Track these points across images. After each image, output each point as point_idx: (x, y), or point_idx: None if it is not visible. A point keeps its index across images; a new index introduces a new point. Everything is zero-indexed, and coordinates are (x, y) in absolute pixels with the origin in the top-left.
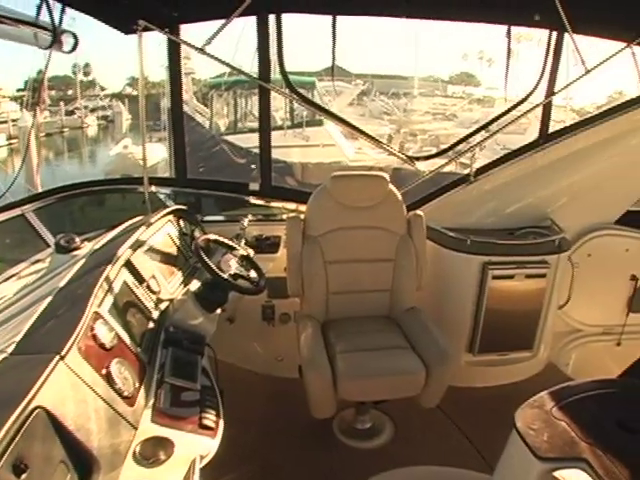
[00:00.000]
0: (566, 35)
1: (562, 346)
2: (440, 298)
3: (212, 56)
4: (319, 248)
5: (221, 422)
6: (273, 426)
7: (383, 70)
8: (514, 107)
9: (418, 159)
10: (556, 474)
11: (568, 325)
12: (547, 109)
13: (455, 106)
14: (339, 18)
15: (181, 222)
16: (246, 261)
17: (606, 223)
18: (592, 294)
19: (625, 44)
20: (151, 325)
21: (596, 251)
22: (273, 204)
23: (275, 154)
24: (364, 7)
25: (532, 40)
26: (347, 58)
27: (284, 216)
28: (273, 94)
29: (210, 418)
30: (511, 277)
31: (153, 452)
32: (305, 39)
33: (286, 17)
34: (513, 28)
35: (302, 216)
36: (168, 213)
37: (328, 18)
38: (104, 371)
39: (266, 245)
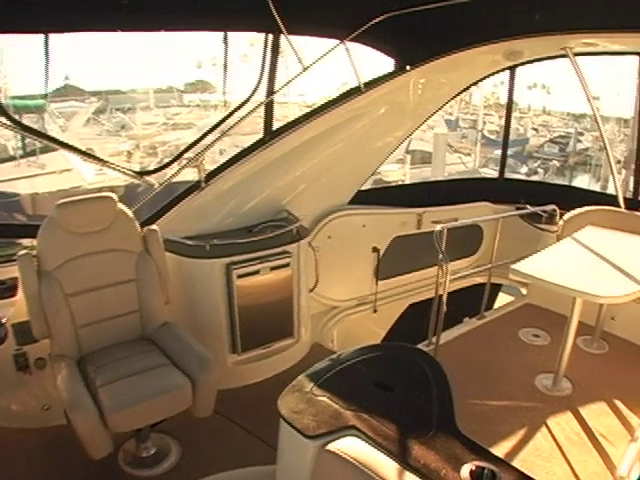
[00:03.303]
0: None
1: (323, 325)
2: (192, 308)
3: None
4: (57, 282)
5: None
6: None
7: (118, 85)
8: (237, 109)
9: (147, 173)
10: (329, 447)
11: (324, 305)
12: (269, 107)
13: (178, 115)
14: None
15: None
16: None
17: (340, 205)
18: (340, 272)
19: (339, 41)
20: None
21: (335, 232)
22: (21, 241)
23: (6, 188)
24: (74, 24)
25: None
26: (82, 76)
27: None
28: None
29: None
30: (256, 272)
31: None
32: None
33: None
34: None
35: (35, 252)
36: None
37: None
38: None
39: (2, 290)
